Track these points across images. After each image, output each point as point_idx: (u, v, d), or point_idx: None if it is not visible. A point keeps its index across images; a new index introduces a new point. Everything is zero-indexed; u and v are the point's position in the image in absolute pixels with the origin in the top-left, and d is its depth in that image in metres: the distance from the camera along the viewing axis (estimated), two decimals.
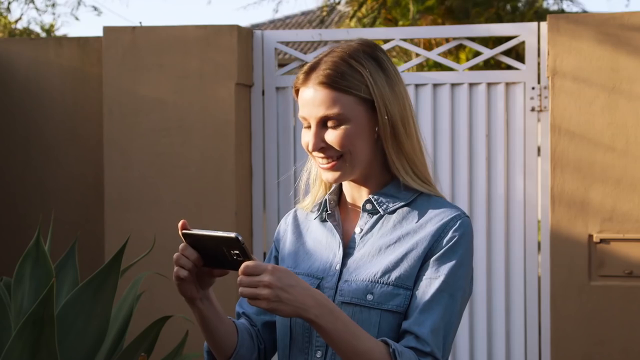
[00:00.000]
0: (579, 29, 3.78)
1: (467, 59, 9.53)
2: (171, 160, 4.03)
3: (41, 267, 3.06)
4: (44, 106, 4.32)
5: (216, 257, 1.56)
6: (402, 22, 10.16)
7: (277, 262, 1.83)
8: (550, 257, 3.84)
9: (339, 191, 1.79)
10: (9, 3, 11.82)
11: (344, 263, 1.70)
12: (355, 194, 1.75)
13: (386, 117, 1.66)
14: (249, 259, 1.52)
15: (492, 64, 8.94)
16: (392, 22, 10.37)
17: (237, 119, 4.02)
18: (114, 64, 4.07)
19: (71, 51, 4.32)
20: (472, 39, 4.13)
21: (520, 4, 10.29)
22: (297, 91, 1.71)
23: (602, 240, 3.77)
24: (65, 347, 2.92)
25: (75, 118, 4.30)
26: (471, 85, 4.02)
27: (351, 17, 10.87)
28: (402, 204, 1.70)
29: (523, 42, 4.02)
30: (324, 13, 11.94)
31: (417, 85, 4.04)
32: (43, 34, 13.78)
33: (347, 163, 1.67)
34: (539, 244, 3.97)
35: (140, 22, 4.68)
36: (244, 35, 4.09)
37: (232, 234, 1.50)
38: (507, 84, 3.99)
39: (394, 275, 1.64)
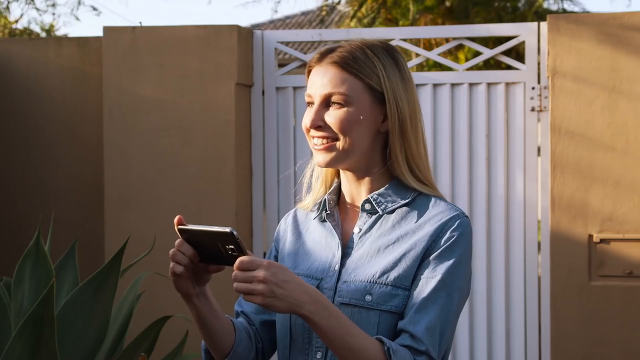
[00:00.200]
0: (579, 29, 3.78)
1: (467, 59, 9.54)
2: (171, 160, 4.03)
3: (41, 267, 3.06)
4: (44, 106, 4.32)
5: (212, 253, 1.56)
6: (402, 22, 10.16)
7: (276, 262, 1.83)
8: (550, 257, 3.84)
9: (339, 191, 1.79)
10: (9, 3, 11.82)
11: (342, 263, 1.70)
12: (355, 193, 1.74)
13: (396, 112, 1.66)
14: (244, 254, 1.52)
15: (492, 64, 8.95)
16: (392, 22, 10.37)
17: (237, 119, 4.02)
18: (114, 64, 4.07)
19: (71, 51, 4.32)
20: (472, 39, 4.13)
21: (520, 4, 10.29)
22: (309, 72, 1.71)
23: (602, 240, 3.77)
24: (65, 347, 2.92)
25: (75, 118, 4.30)
26: (471, 85, 4.02)
27: (351, 17, 10.88)
28: (401, 203, 1.70)
29: (523, 42, 4.02)
30: (324, 13, 11.94)
31: (417, 85, 4.02)
32: (43, 34, 13.78)
33: (342, 148, 1.66)
34: (539, 244, 3.97)
35: (140, 22, 4.68)
36: (244, 35, 4.09)
37: (227, 229, 1.50)
38: (507, 84, 3.99)
39: (393, 275, 1.64)
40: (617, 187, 3.76)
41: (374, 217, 1.71)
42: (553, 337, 3.82)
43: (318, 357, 1.68)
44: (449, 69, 6.98)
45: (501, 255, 3.98)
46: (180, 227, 1.57)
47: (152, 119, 4.04)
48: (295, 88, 4.16)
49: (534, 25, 4.00)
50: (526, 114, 3.95)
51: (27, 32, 13.08)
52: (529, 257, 3.97)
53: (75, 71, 4.31)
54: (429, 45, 9.46)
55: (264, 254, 4.15)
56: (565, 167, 3.79)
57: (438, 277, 1.62)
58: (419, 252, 1.64)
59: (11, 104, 4.34)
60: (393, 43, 4.12)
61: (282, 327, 1.74)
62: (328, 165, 1.69)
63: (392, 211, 1.70)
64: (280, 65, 4.32)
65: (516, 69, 4.03)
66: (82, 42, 4.32)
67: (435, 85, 4.04)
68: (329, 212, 1.76)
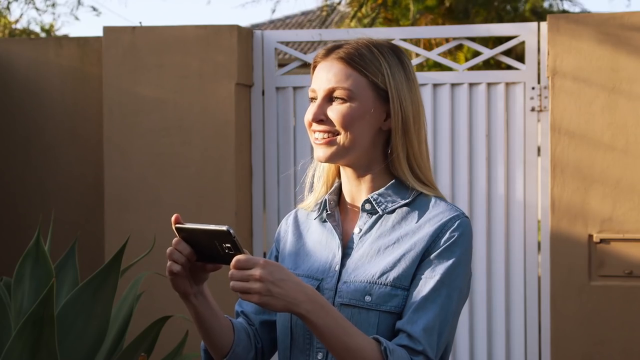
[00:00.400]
0: (579, 29, 3.78)
1: (466, 59, 9.54)
2: (171, 160, 4.03)
3: (41, 267, 3.06)
4: (44, 106, 4.32)
5: (209, 252, 1.55)
6: (402, 22, 10.16)
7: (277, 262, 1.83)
8: (550, 257, 3.84)
9: (339, 191, 1.79)
10: (9, 3, 11.82)
11: (343, 264, 1.70)
12: (355, 193, 1.74)
13: (399, 111, 1.66)
14: (241, 252, 1.51)
15: (492, 64, 8.95)
16: (392, 22, 10.37)
17: (237, 119, 4.02)
18: (114, 64, 4.07)
19: (71, 51, 4.32)
20: (472, 39, 4.13)
21: (520, 4, 10.30)
22: (314, 68, 1.72)
23: (602, 240, 3.77)
24: (65, 347, 2.92)
25: (75, 118, 4.30)
26: (471, 85, 4.02)
27: (352, 18, 10.88)
28: (401, 203, 1.70)
29: (523, 42, 4.02)
30: (324, 13, 11.94)
31: None
32: (43, 34, 13.77)
33: (342, 143, 1.67)
34: (539, 244, 3.97)
35: (140, 22, 4.68)
36: (244, 35, 4.09)
37: (224, 227, 1.49)
38: (507, 84, 3.99)
39: (392, 276, 1.64)
40: (617, 187, 3.76)
41: (374, 217, 1.71)
42: (553, 337, 3.82)
43: (319, 357, 1.67)
44: (449, 69, 6.98)
45: (501, 255, 3.98)
46: (177, 225, 1.57)
47: (152, 119, 4.04)
48: (295, 88, 4.16)
49: (534, 25, 4.00)
50: (526, 114, 3.95)
51: (26, 32, 13.08)
52: (529, 257, 3.97)
53: (75, 71, 4.31)
54: (429, 45, 9.46)
55: (264, 254, 4.15)
56: (565, 167, 3.79)
57: (437, 277, 1.62)
58: (419, 252, 1.64)
59: (11, 104, 4.34)
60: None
61: (283, 327, 1.74)
62: (328, 160, 1.69)
63: (392, 211, 1.70)
64: (280, 65, 4.32)
65: (516, 69, 4.03)
66: (82, 42, 4.32)
67: (435, 85, 4.04)
68: (329, 212, 1.76)
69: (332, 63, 1.68)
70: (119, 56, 4.07)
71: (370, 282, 1.64)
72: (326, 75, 1.68)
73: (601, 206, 3.76)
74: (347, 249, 1.71)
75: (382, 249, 1.67)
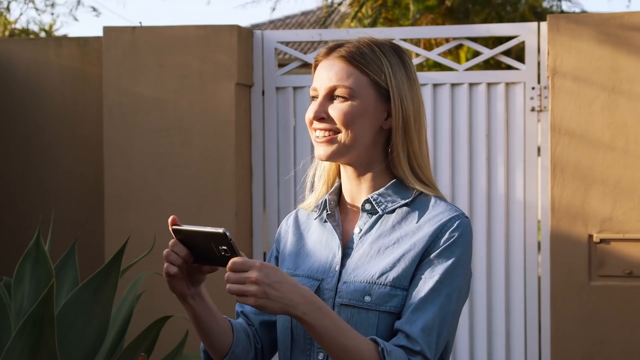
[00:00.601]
0: (579, 29, 3.78)
1: (467, 58, 9.54)
2: (171, 160, 4.03)
3: (41, 267, 3.06)
4: (44, 106, 4.32)
5: (205, 254, 1.55)
6: (402, 22, 10.16)
7: (277, 263, 1.83)
8: (550, 257, 3.84)
9: (339, 191, 1.79)
10: (9, 2, 11.82)
11: (343, 264, 1.70)
12: (355, 192, 1.74)
13: (400, 110, 1.66)
14: (237, 255, 1.51)
15: (491, 64, 8.95)
16: (392, 22, 10.38)
17: (237, 119, 4.02)
18: (114, 64, 4.07)
19: (71, 51, 4.32)
20: (472, 39, 4.13)
21: (520, 5, 10.30)
22: (315, 67, 1.72)
23: (602, 240, 3.77)
24: (65, 347, 2.92)
25: (75, 118, 4.30)
26: (471, 85, 4.02)
27: (352, 18, 10.88)
28: (401, 203, 1.70)
29: (523, 42, 4.02)
30: (324, 12, 11.94)
31: None
32: (42, 34, 13.78)
33: (343, 141, 1.67)
34: (539, 243, 3.97)
35: (140, 22, 4.68)
36: (244, 35, 4.09)
37: (220, 230, 1.49)
38: (507, 84, 3.99)
39: (392, 276, 1.63)
40: (617, 187, 3.75)
41: (374, 217, 1.71)
42: (553, 337, 3.82)
43: (320, 358, 1.67)
44: (449, 69, 6.98)
45: (501, 255, 3.98)
46: (174, 227, 1.57)
47: (152, 119, 4.04)
48: (295, 88, 4.16)
49: (534, 25, 4.00)
50: (526, 114, 3.95)
51: (25, 32, 13.08)
52: (529, 257, 3.97)
53: (75, 71, 4.31)
54: (429, 45, 9.46)
55: (264, 254, 4.15)
56: (565, 167, 3.79)
57: (436, 277, 1.62)
58: (418, 252, 1.64)
59: (11, 104, 4.34)
60: None
61: (283, 328, 1.74)
62: (329, 158, 1.69)
63: (392, 211, 1.70)
64: (280, 65, 4.32)
65: (516, 69, 4.03)
66: (82, 42, 4.32)
67: (435, 85, 4.04)
68: (329, 212, 1.75)
69: (333, 62, 1.68)
70: (119, 56, 4.07)
71: (369, 282, 1.64)
72: (327, 74, 1.68)
73: (601, 206, 3.76)
74: (347, 249, 1.71)
75: (382, 249, 1.67)
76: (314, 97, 1.71)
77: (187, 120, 4.02)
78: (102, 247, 4.13)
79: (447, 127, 4.01)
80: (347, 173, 1.74)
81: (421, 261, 1.64)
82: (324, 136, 1.68)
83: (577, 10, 11.37)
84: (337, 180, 1.80)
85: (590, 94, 3.78)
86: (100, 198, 4.19)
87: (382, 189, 1.71)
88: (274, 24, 18.68)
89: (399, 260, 1.65)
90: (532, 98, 3.93)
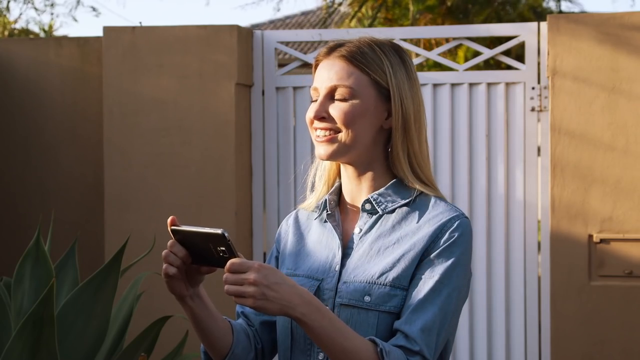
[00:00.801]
0: (579, 29, 3.78)
1: (466, 58, 9.54)
2: (171, 160, 4.03)
3: (41, 267, 3.06)
4: (44, 106, 4.32)
5: (204, 254, 1.55)
6: (402, 22, 10.16)
7: (277, 263, 1.83)
8: (550, 257, 3.84)
9: (339, 191, 1.79)
10: (8, 2, 11.82)
11: (343, 264, 1.70)
12: (355, 192, 1.74)
13: (400, 109, 1.66)
14: (235, 256, 1.51)
15: (491, 64, 8.95)
16: (392, 22, 10.38)
17: (237, 119, 4.02)
18: (114, 64, 4.07)
19: (71, 51, 4.32)
20: (472, 39, 4.13)
21: (520, 6, 10.31)
22: (316, 66, 1.73)
23: (602, 240, 3.77)
24: (65, 347, 2.92)
25: (75, 118, 4.30)
26: (471, 85, 4.02)
27: (351, 18, 10.88)
28: (401, 203, 1.70)
29: (523, 42, 4.02)
30: (324, 11, 11.94)
31: None
32: (42, 34, 13.77)
33: (344, 140, 1.67)
34: (539, 244, 3.97)
35: (140, 22, 4.68)
36: (244, 35, 4.09)
37: (219, 231, 1.49)
38: (507, 84, 3.99)
39: (391, 276, 1.64)
40: (617, 187, 3.76)
41: (374, 217, 1.71)
42: (553, 337, 3.82)
43: (320, 358, 1.67)
44: (449, 69, 6.98)
45: (501, 255, 3.98)
46: (173, 227, 1.57)
47: (152, 119, 4.04)
48: (295, 88, 4.16)
49: (534, 25, 4.00)
50: (526, 114, 3.95)
51: (25, 32, 13.08)
52: (529, 257, 3.97)
53: (75, 71, 4.31)
54: (429, 45, 9.46)
55: (264, 255, 4.15)
56: (565, 167, 3.79)
57: (436, 277, 1.62)
58: (418, 252, 1.64)
59: (11, 104, 4.34)
60: None
61: (283, 328, 1.74)
62: (329, 157, 1.69)
63: (392, 211, 1.70)
64: (280, 65, 4.32)
65: (516, 69, 4.04)
66: (82, 42, 4.32)
67: (435, 85, 4.04)
68: (329, 212, 1.76)
69: (334, 61, 1.69)
70: (119, 56, 4.07)
71: (369, 282, 1.64)
72: (328, 74, 1.68)
73: (601, 206, 3.76)
74: (347, 249, 1.71)
75: (382, 249, 1.67)
76: (314, 97, 1.71)
77: (187, 120, 4.02)
78: (102, 247, 4.13)
79: (447, 127, 4.01)
80: (348, 173, 1.74)
81: (421, 261, 1.64)
82: (325, 136, 1.68)
83: (577, 10, 11.37)
84: (337, 180, 1.80)
85: (590, 94, 3.78)
86: (100, 198, 4.19)
87: (382, 189, 1.71)
88: (274, 24, 18.68)
89: (398, 260, 1.65)
90: (532, 98, 3.94)
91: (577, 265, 3.78)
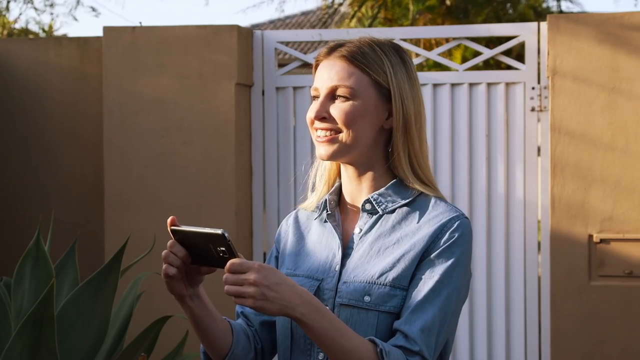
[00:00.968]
0: (579, 29, 3.78)
1: (465, 58, 9.55)
2: (171, 160, 4.03)
3: (41, 267, 3.06)
4: (44, 106, 4.32)
5: (204, 255, 1.55)
6: (402, 22, 10.17)
7: (277, 263, 1.83)
8: (550, 257, 3.84)
9: (339, 191, 1.79)
10: (8, 2, 11.81)
11: (343, 264, 1.70)
12: (355, 192, 1.74)
13: (401, 109, 1.66)
14: (235, 256, 1.51)
15: (491, 64, 8.95)
16: (391, 22, 10.38)
17: (237, 119, 4.02)
18: (114, 64, 4.07)
19: (71, 51, 4.32)
20: (472, 39, 4.13)
21: (520, 5, 10.31)
22: (316, 67, 1.73)
23: (602, 240, 3.77)
24: (65, 347, 2.92)
25: (75, 118, 4.30)
26: (471, 85, 4.02)
27: (351, 17, 10.88)
28: (402, 203, 1.70)
29: (523, 42, 4.02)
30: (324, 11, 11.94)
31: None
32: (42, 34, 13.77)
33: (344, 141, 1.67)
34: (539, 243, 3.97)
35: (140, 22, 4.68)
36: (244, 35, 4.09)
37: (219, 231, 1.49)
38: (507, 84, 3.99)
39: (391, 276, 1.64)
40: (617, 187, 3.76)
41: (374, 217, 1.71)
42: (553, 337, 3.82)
43: (320, 358, 1.67)
44: (449, 69, 6.98)
45: (501, 255, 3.98)
46: (173, 228, 1.56)
47: (152, 119, 4.04)
48: (295, 88, 4.16)
49: (534, 25, 4.00)
50: (526, 114, 3.95)
51: (25, 32, 13.08)
52: (529, 257, 3.97)
53: (75, 71, 4.30)
54: (429, 45, 9.46)
55: (264, 255, 4.15)
56: (565, 167, 3.79)
57: (436, 277, 1.62)
58: (418, 253, 1.64)
59: (11, 104, 4.34)
60: None
61: (283, 328, 1.74)
62: (330, 157, 1.69)
63: (393, 211, 1.70)
64: (280, 65, 4.32)
65: (516, 69, 4.04)
66: (82, 42, 4.32)
67: (435, 85, 4.04)
68: (329, 212, 1.76)
69: (334, 61, 1.69)
70: (119, 56, 4.07)
71: (369, 282, 1.64)
72: (328, 74, 1.68)
73: (601, 206, 3.77)
74: (347, 249, 1.71)
75: (382, 249, 1.67)
76: (315, 97, 1.71)
77: (187, 120, 4.02)
78: (102, 247, 4.13)
79: (447, 127, 4.01)
80: (348, 173, 1.74)
81: (421, 261, 1.64)
82: (326, 136, 1.68)
83: (577, 10, 11.38)
84: (337, 180, 1.80)
85: (590, 94, 3.78)
86: (100, 198, 4.19)
87: (382, 189, 1.71)
88: (274, 24, 18.68)
89: (398, 260, 1.65)
90: (532, 98, 3.93)
91: (577, 265, 3.78)
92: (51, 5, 12.05)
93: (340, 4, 11.07)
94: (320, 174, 1.81)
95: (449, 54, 9.49)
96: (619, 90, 3.75)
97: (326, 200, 1.77)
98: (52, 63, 4.32)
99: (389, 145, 1.71)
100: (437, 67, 9.24)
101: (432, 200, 1.70)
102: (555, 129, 3.81)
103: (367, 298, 1.63)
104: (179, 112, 4.02)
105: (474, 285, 3.98)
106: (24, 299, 3.05)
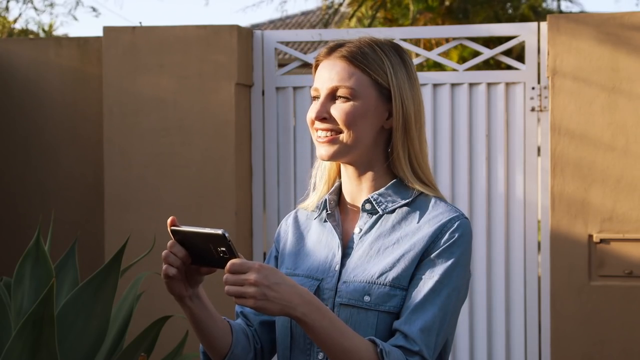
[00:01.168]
0: (579, 29, 3.78)
1: (464, 58, 9.55)
2: (171, 160, 4.03)
3: (41, 267, 3.06)
4: (44, 106, 4.32)
5: (204, 255, 1.55)
6: (402, 22, 10.17)
7: (277, 262, 1.83)
8: (550, 257, 3.84)
9: (339, 191, 1.79)
10: (8, 2, 11.82)
11: (343, 264, 1.70)
12: (355, 192, 1.74)
13: (401, 109, 1.67)
14: (236, 257, 1.51)
15: (491, 64, 8.95)
16: (391, 22, 10.38)
17: (237, 119, 4.02)
18: (114, 64, 4.07)
19: (71, 51, 4.32)
20: (472, 39, 4.13)
21: (520, 5, 10.32)
22: (316, 67, 1.73)
23: (602, 240, 3.77)
24: (65, 347, 2.92)
25: (75, 118, 4.30)
26: (471, 85, 4.02)
27: (351, 17, 10.89)
28: (402, 203, 1.70)
29: (523, 42, 4.02)
30: (324, 11, 11.94)
31: None
32: (42, 34, 13.77)
33: (345, 141, 1.67)
34: (539, 244, 3.97)
35: (140, 22, 4.68)
36: (244, 35, 4.09)
37: (219, 231, 1.49)
38: (507, 84, 3.99)
39: (391, 276, 1.64)
40: (617, 187, 3.76)
41: (374, 217, 1.71)
42: (553, 337, 3.82)
43: (320, 358, 1.67)
44: (449, 69, 6.98)
45: (501, 255, 3.98)
46: (173, 228, 1.56)
47: (152, 119, 4.04)
48: (295, 88, 4.16)
49: (534, 25, 4.00)
50: (526, 114, 3.95)
51: (25, 32, 13.08)
52: (529, 257, 3.97)
53: (75, 71, 4.30)
54: (429, 45, 9.47)
55: (264, 254, 4.15)
56: (565, 166, 3.79)
57: (435, 277, 1.62)
58: (418, 253, 1.64)
59: (11, 104, 4.34)
60: None
61: (283, 327, 1.74)
62: (330, 158, 1.69)
63: (393, 211, 1.70)
64: (280, 65, 4.32)
65: (516, 69, 4.04)
66: (82, 42, 4.32)
67: (435, 85, 4.04)
68: (329, 212, 1.76)
69: (334, 62, 1.68)
70: (119, 56, 4.07)
71: (369, 282, 1.64)
72: (329, 74, 1.68)
73: (601, 206, 3.77)
74: (347, 249, 1.71)
75: (381, 249, 1.67)
76: (315, 97, 1.71)
77: (187, 120, 4.02)
78: (102, 247, 4.13)
79: (447, 127, 4.01)
80: (348, 173, 1.74)
81: (421, 261, 1.64)
82: (326, 136, 1.68)
83: (576, 10, 11.38)
84: (337, 180, 1.80)
85: (590, 93, 3.78)
86: (100, 198, 4.19)
87: (382, 189, 1.71)
88: (274, 24, 18.68)
89: (398, 260, 1.65)
90: (532, 98, 3.93)
91: (577, 265, 3.78)
92: (51, 5, 12.06)
93: (341, 4, 11.07)
94: (320, 174, 1.81)
95: (446, 54, 9.49)
96: (619, 90, 3.75)
97: (326, 200, 1.77)
98: (52, 63, 4.32)
99: (389, 145, 1.71)
100: (437, 67, 9.24)
101: (432, 201, 1.70)
102: (555, 129, 3.81)
103: (366, 298, 1.63)
104: (178, 112, 4.03)
105: (474, 285, 3.98)
106: (24, 299, 3.05)
